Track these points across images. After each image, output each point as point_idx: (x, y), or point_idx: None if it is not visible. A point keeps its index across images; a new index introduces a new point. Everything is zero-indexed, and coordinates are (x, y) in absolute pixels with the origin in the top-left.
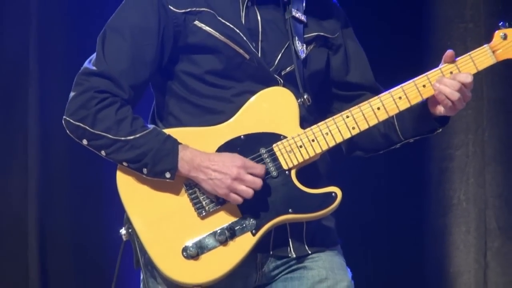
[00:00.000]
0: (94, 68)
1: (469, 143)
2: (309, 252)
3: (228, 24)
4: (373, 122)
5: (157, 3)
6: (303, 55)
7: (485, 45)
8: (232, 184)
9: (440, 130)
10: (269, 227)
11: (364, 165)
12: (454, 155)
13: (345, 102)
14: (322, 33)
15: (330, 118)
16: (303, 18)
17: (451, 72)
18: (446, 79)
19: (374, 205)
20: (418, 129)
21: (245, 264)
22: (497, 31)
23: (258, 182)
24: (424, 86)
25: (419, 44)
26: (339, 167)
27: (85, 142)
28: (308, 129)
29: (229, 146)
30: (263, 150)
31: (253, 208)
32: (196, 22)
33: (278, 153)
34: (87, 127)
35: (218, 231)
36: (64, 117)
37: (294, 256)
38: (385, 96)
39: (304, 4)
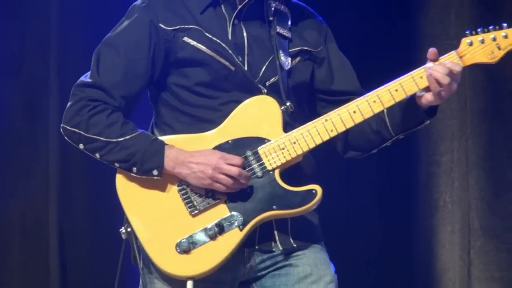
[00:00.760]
0: (89, 80)
1: (454, 150)
2: (294, 245)
3: (214, 39)
4: (349, 124)
5: (148, 22)
6: (288, 67)
7: (453, 52)
8: (214, 174)
9: (428, 122)
10: (255, 223)
11: (357, 170)
12: (440, 161)
13: (334, 106)
14: (305, 47)
15: (311, 122)
16: (287, 34)
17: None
18: (436, 65)
19: (365, 207)
20: (408, 123)
21: (233, 258)
22: (463, 38)
23: (234, 170)
24: (396, 90)
25: (408, 59)
26: (332, 170)
27: (81, 146)
28: (290, 132)
29: (218, 150)
30: (249, 153)
31: (240, 206)
32: (185, 38)
33: (262, 155)
34: (81, 132)
35: (208, 227)
36: (61, 124)
37: (281, 248)
38: (361, 100)
39: (289, 22)
